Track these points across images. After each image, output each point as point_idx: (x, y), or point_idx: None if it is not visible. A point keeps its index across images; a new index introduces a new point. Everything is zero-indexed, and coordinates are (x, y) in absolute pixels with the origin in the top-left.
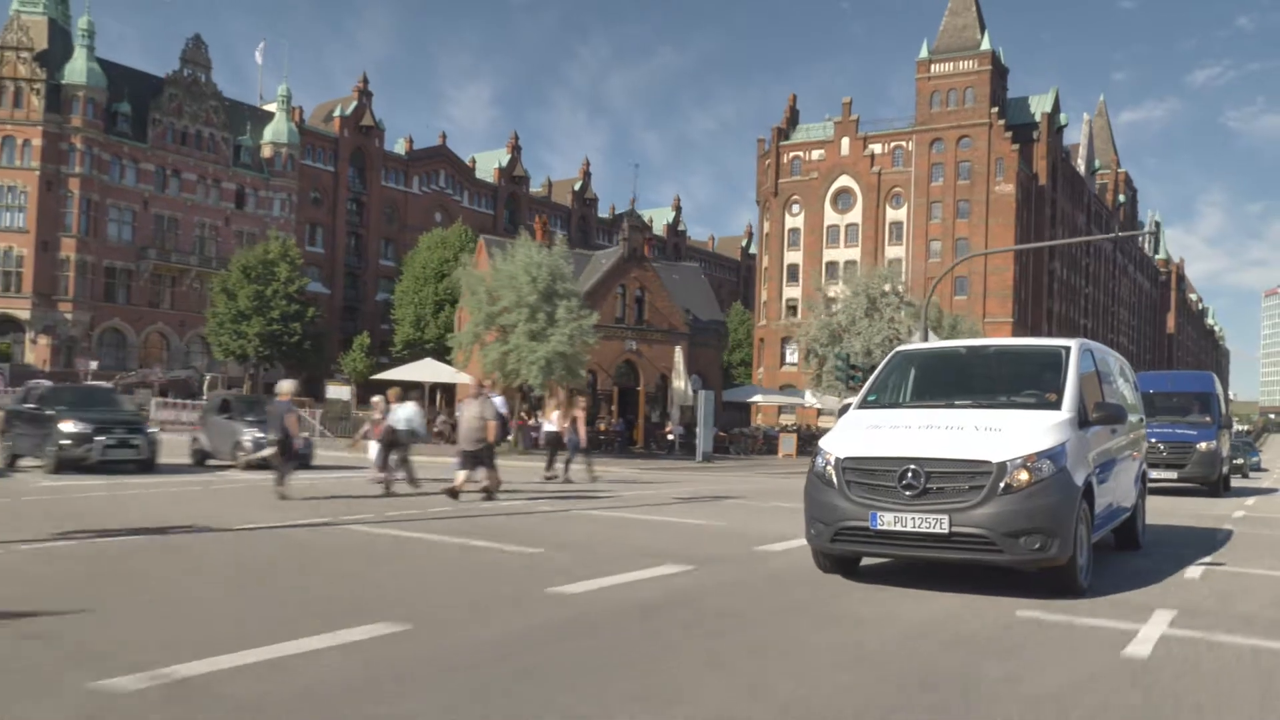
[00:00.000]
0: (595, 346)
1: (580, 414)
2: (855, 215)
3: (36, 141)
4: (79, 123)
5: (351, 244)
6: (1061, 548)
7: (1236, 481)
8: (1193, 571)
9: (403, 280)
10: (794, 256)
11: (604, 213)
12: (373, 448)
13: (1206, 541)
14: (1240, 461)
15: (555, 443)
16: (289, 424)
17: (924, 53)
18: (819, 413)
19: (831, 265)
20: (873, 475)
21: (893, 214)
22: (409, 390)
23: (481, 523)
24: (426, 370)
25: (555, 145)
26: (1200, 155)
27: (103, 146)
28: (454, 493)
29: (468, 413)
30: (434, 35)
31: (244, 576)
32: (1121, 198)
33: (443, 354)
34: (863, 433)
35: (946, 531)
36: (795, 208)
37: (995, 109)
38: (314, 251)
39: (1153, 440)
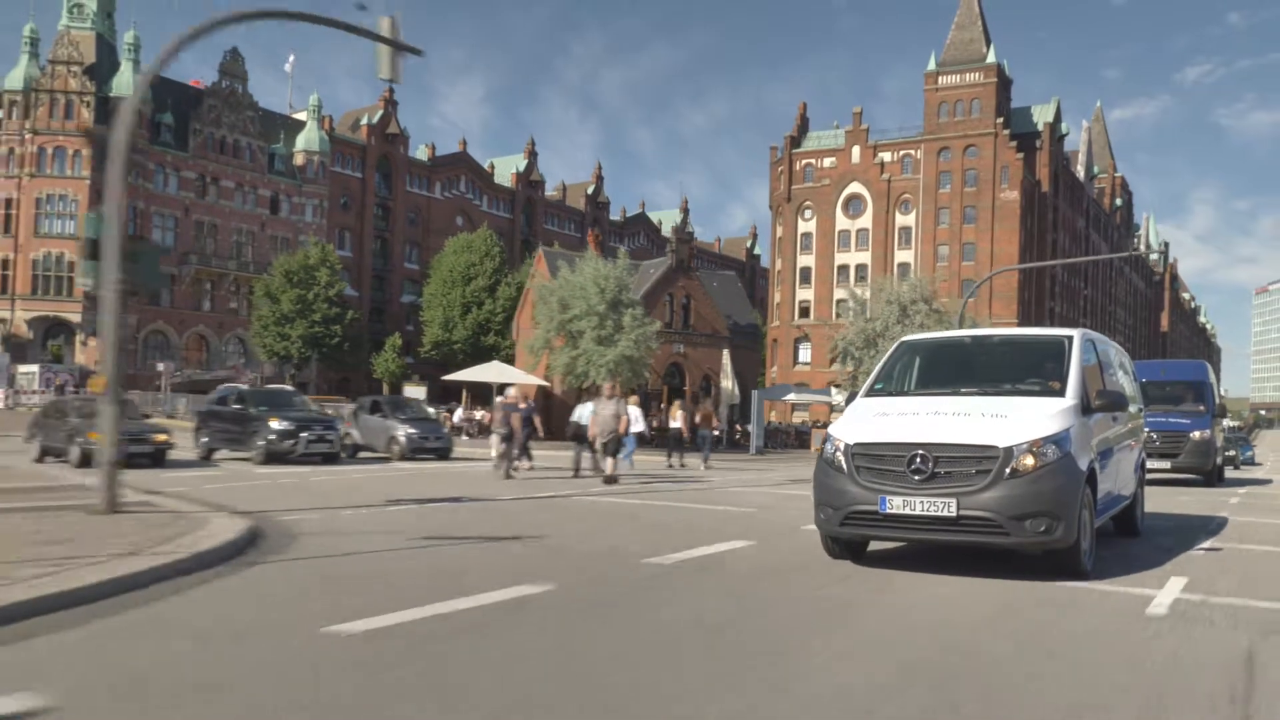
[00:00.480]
0: (657, 351)
1: (710, 412)
2: (866, 220)
3: (86, 152)
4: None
5: (378, 247)
6: (1066, 531)
7: (1229, 473)
8: (1197, 553)
9: (430, 283)
10: (806, 260)
11: (615, 215)
12: (494, 439)
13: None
14: (1233, 454)
15: (678, 438)
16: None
17: (932, 65)
18: (830, 409)
19: (843, 269)
20: (881, 460)
21: (902, 219)
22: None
23: (671, 496)
24: (494, 371)
25: (547, 141)
26: (1191, 152)
27: (147, 156)
28: (611, 479)
29: (605, 411)
30: (425, 30)
31: (592, 521)
32: (1118, 201)
33: (476, 356)
34: (871, 419)
35: (954, 515)
36: (808, 213)
37: (1000, 119)
38: (343, 255)
39: (1145, 430)
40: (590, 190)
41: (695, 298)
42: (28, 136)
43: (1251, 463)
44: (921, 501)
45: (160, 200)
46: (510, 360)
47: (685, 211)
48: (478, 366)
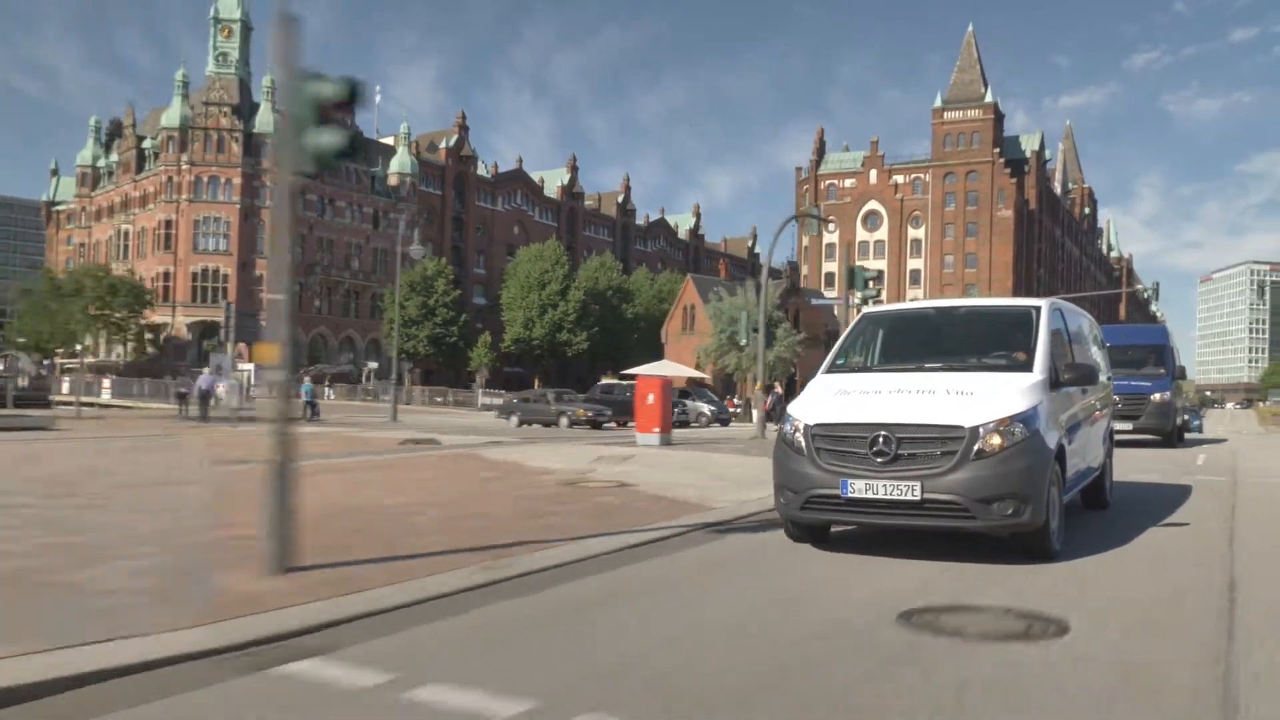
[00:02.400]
0: (801, 355)
1: None
2: (882, 233)
3: (236, 181)
4: (268, 164)
5: (452, 255)
6: (1035, 512)
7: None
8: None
9: (508, 288)
10: (830, 266)
11: (640, 220)
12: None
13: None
14: (1186, 419)
15: None
16: None
17: (938, 102)
18: None
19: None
20: (843, 442)
21: (913, 233)
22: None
23: None
24: (668, 368)
25: (499, 124)
26: (1139, 138)
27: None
28: None
29: None
30: (376, 12)
31: None
32: (1087, 210)
33: (553, 350)
34: (832, 398)
35: (919, 499)
36: (831, 226)
37: (997, 149)
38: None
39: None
40: (620, 200)
41: (802, 310)
42: (185, 168)
43: (1199, 431)
44: (884, 484)
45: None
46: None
47: (697, 216)
48: (655, 363)
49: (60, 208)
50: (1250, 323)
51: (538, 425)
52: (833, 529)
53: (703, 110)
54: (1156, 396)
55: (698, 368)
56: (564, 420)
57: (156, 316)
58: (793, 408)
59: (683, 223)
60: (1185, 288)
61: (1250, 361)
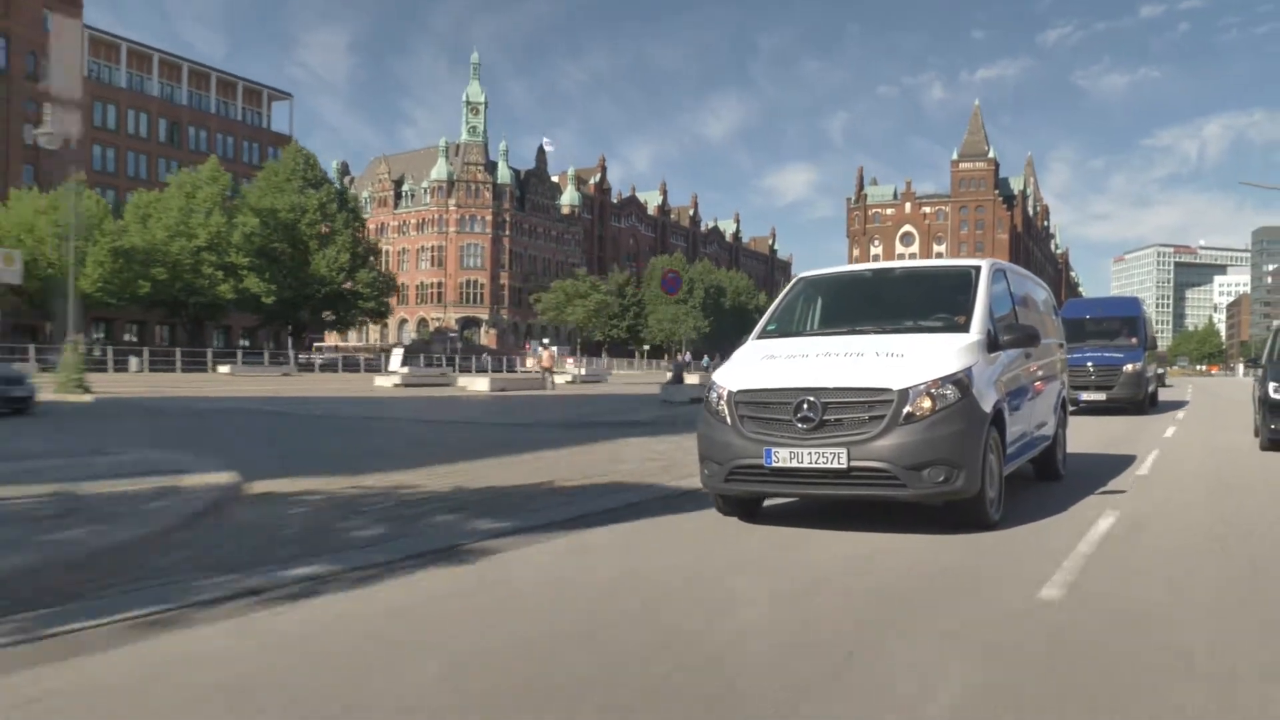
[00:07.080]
0: None
1: None
2: (914, 248)
3: (487, 217)
4: (507, 206)
5: (595, 265)
6: (968, 480)
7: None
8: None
9: (649, 287)
10: None
11: (702, 228)
12: None
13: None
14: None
15: None
16: None
17: (955, 155)
18: None
19: None
20: (767, 409)
21: (937, 248)
22: None
23: None
24: None
25: (418, 94)
26: (1051, 112)
27: (513, 216)
28: None
29: None
30: None
31: None
32: (1046, 223)
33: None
34: (757, 364)
35: (845, 466)
36: (876, 241)
37: (996, 190)
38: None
39: (1085, 364)
40: (691, 213)
41: None
42: (451, 208)
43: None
44: (809, 453)
45: (517, 243)
46: None
47: (738, 223)
48: None
49: None
50: (1157, 299)
51: None
52: (765, 502)
53: (623, 78)
54: (1129, 367)
55: None
56: None
57: (431, 312)
58: (717, 375)
59: (728, 228)
60: (1096, 258)
61: (1158, 334)
